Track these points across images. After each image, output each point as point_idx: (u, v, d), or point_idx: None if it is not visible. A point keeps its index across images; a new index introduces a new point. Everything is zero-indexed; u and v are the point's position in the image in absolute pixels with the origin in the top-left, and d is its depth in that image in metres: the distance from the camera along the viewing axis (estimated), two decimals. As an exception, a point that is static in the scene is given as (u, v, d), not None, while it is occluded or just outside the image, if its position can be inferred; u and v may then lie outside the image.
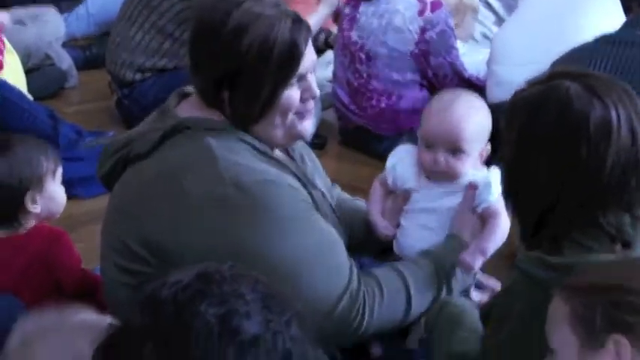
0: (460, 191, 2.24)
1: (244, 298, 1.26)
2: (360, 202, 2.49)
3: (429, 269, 2.14)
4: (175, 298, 1.25)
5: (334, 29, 4.61)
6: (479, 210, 2.22)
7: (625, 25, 2.78)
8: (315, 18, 4.36)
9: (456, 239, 2.20)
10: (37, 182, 2.50)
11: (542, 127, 1.72)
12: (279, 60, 2.00)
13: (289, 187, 2.00)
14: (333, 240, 2.03)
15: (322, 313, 1.95)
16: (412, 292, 2.09)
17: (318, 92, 2.12)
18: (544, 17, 3.77)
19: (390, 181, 2.33)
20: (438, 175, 2.25)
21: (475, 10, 4.54)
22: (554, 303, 1.48)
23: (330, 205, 2.24)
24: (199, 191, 1.95)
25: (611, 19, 3.38)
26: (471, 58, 4.31)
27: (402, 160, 2.33)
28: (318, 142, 4.26)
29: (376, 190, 2.36)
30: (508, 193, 1.83)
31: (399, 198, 2.31)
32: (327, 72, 4.45)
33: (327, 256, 2.00)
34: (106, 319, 1.44)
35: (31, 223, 2.54)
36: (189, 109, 2.09)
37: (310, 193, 2.09)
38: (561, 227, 1.70)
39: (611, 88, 1.71)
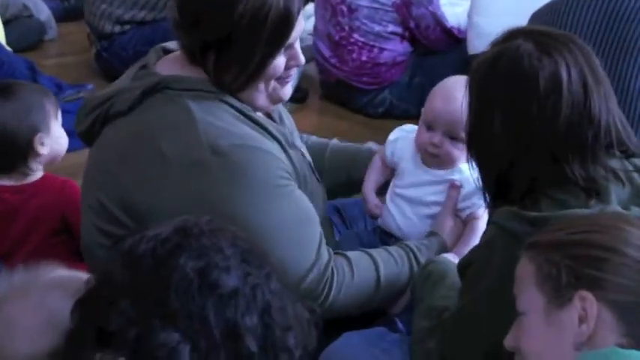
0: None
1: (223, 251, 1.27)
2: (342, 145, 2.48)
3: (403, 263, 2.14)
4: (154, 252, 1.26)
5: None
6: (466, 213, 2.21)
7: (606, -23, 2.77)
8: None
9: (436, 238, 2.20)
10: (44, 124, 2.53)
11: (494, 86, 1.76)
12: (272, 29, 1.97)
13: (268, 154, 1.98)
14: (306, 213, 2.02)
15: (289, 283, 1.95)
16: (382, 279, 2.08)
17: (303, 60, 2.10)
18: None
19: (387, 152, 2.32)
20: (433, 160, 2.24)
21: None
22: (520, 263, 1.50)
23: (310, 164, 2.24)
24: (176, 154, 1.94)
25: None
26: (451, 9, 4.30)
27: (404, 137, 2.31)
28: (299, 96, 4.25)
29: (375, 163, 2.35)
30: (470, 155, 1.85)
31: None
32: (309, 25, 4.43)
33: (300, 228, 1.99)
34: (82, 276, 1.44)
35: (38, 168, 2.57)
36: (170, 65, 2.07)
37: (290, 157, 2.08)
38: (525, 184, 1.72)
39: (563, 45, 1.75)
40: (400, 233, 2.27)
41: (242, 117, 2.02)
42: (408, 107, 4.07)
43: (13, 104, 2.52)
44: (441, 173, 2.24)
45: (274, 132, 2.08)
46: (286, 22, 1.99)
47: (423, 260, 2.13)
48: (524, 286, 1.48)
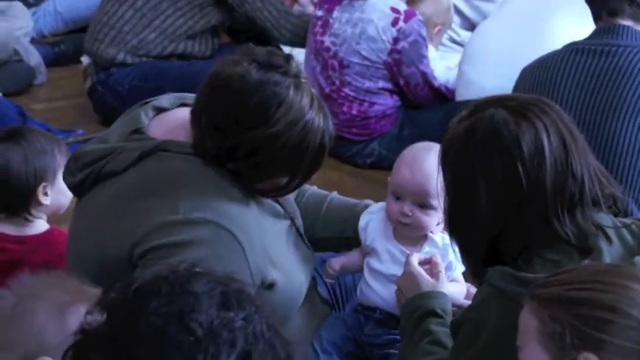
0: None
1: (196, 296, 1.23)
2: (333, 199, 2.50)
3: None
4: (125, 299, 1.23)
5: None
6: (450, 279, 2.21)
7: (594, 34, 2.81)
8: None
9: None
10: (51, 174, 2.49)
11: (475, 157, 1.77)
12: (306, 164, 2.04)
13: (236, 245, 1.99)
14: None
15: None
16: None
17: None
18: (517, 21, 3.80)
19: (362, 240, 2.32)
20: (404, 228, 2.24)
21: (449, 25, 4.55)
22: (522, 315, 1.50)
23: (298, 230, 2.25)
24: (151, 217, 1.97)
25: (581, 26, 3.42)
26: (442, 63, 4.34)
27: (373, 219, 2.31)
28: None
29: (353, 252, 2.36)
30: (452, 233, 1.86)
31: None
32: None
33: None
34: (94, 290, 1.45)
35: (40, 217, 2.54)
36: (166, 129, 2.09)
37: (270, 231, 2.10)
38: (517, 248, 1.73)
39: (536, 107, 1.78)
40: (386, 305, 2.27)
41: (232, 182, 2.04)
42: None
43: (24, 149, 2.50)
44: (416, 249, 2.23)
45: (262, 203, 2.10)
46: (319, 158, 2.05)
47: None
48: (527, 340, 1.48)
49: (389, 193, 2.24)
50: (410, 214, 2.20)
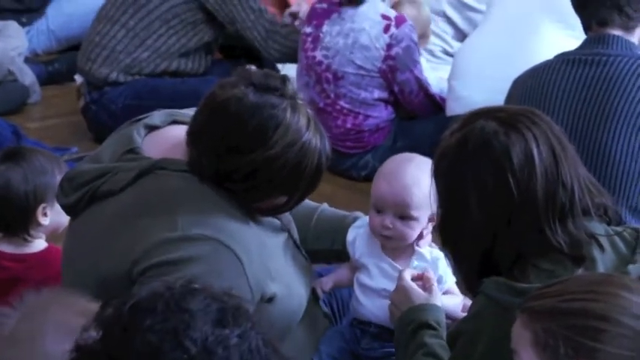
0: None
1: (191, 313, 1.23)
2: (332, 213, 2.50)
3: None
4: (120, 317, 1.24)
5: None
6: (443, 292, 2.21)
7: (585, 44, 2.82)
8: None
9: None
10: (51, 193, 2.47)
11: (466, 168, 1.78)
12: (304, 185, 2.06)
13: (235, 261, 2.00)
14: None
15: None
16: None
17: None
18: (503, 33, 3.83)
19: (351, 254, 2.32)
20: (387, 241, 2.24)
21: (427, 37, 4.58)
22: (515, 326, 1.50)
23: (295, 242, 2.26)
24: (149, 235, 1.97)
25: (567, 36, 3.45)
26: (434, 74, 4.35)
27: (361, 234, 2.32)
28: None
29: (343, 267, 2.37)
30: (445, 245, 1.87)
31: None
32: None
33: None
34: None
35: (39, 236, 2.54)
36: (161, 148, 2.10)
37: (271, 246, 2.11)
38: (511, 257, 1.74)
39: (525, 118, 1.80)
40: (378, 319, 2.27)
41: (230, 199, 2.04)
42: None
43: (24, 169, 2.50)
44: (404, 263, 2.23)
45: (260, 218, 2.10)
46: (315, 180, 2.06)
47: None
48: (521, 351, 1.48)
49: (370, 206, 2.25)
50: (391, 226, 2.20)
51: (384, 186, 2.21)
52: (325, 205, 2.50)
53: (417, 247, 2.25)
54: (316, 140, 2.04)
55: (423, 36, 4.40)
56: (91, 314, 1.34)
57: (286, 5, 4.83)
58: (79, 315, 1.43)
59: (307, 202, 2.48)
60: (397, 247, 2.25)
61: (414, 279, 2.14)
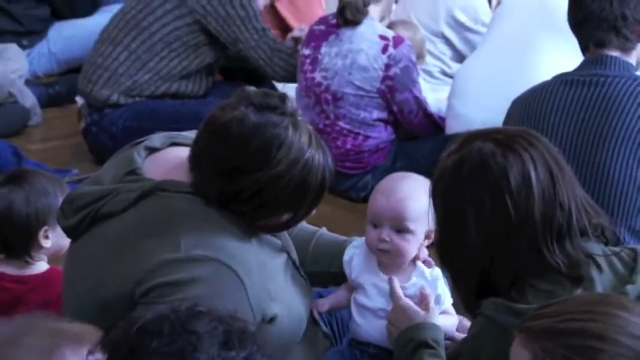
0: (409, 293, 2.21)
1: (198, 335, 1.25)
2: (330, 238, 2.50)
3: None
4: (127, 338, 1.25)
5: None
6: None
7: (583, 65, 2.83)
8: None
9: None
10: (53, 215, 2.45)
11: (463, 189, 1.79)
12: (308, 201, 2.07)
13: (237, 282, 2.00)
14: None
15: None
16: None
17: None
18: (503, 53, 3.85)
19: (348, 274, 2.33)
20: (384, 256, 2.25)
21: (423, 58, 4.60)
22: (514, 346, 1.50)
23: (294, 263, 2.26)
24: (154, 256, 1.98)
25: (568, 57, 3.45)
26: (433, 94, 4.37)
27: (357, 254, 2.32)
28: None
29: (340, 290, 2.37)
30: (443, 263, 1.87)
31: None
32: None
33: None
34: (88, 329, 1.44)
35: (41, 258, 2.54)
36: (163, 170, 2.10)
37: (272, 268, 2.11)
38: (509, 278, 1.74)
39: (522, 139, 1.81)
40: (375, 340, 2.28)
41: (233, 219, 2.05)
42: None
43: (25, 191, 2.50)
44: (401, 280, 2.24)
45: (262, 238, 2.11)
46: (320, 193, 2.08)
47: None
48: None
49: (367, 223, 2.26)
50: (388, 239, 2.21)
51: (380, 200, 2.23)
52: (324, 230, 2.51)
53: (418, 263, 2.26)
54: (319, 156, 2.06)
55: (419, 57, 4.42)
56: (68, 337, 1.34)
57: (288, 30, 4.86)
58: (55, 340, 1.42)
59: (306, 226, 2.49)
60: (394, 263, 2.26)
61: (410, 296, 2.15)
